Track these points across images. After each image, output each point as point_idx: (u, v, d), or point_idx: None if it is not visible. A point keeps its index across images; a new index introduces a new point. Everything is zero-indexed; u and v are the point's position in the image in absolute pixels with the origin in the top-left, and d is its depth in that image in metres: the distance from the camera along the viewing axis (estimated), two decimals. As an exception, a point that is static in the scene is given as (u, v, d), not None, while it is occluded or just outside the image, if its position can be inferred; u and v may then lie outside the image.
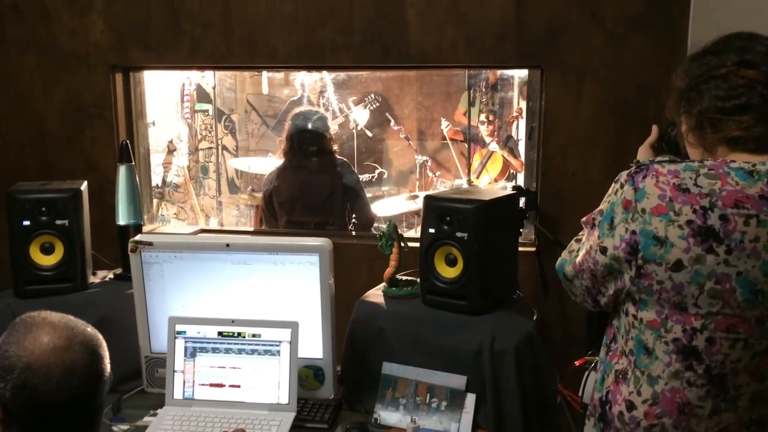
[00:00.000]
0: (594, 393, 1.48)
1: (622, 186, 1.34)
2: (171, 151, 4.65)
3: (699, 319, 1.28)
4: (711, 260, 1.24)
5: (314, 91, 4.93)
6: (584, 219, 1.46)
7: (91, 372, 1.17)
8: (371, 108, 4.68)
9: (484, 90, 4.81)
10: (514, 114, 4.67)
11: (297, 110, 3.55)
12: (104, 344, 1.23)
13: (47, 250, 2.03)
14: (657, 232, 1.26)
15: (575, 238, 1.53)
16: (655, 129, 1.71)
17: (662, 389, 1.32)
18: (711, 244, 1.24)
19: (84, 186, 2.11)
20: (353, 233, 3.23)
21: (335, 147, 3.45)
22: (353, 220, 3.38)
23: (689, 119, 1.36)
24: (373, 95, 4.65)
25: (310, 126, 3.38)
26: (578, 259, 1.44)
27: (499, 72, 4.64)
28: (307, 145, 3.36)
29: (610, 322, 1.48)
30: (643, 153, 1.68)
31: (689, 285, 1.26)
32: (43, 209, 2.00)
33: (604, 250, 1.35)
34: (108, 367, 1.22)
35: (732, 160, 1.29)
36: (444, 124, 4.75)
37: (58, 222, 2.01)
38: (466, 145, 4.75)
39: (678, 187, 1.26)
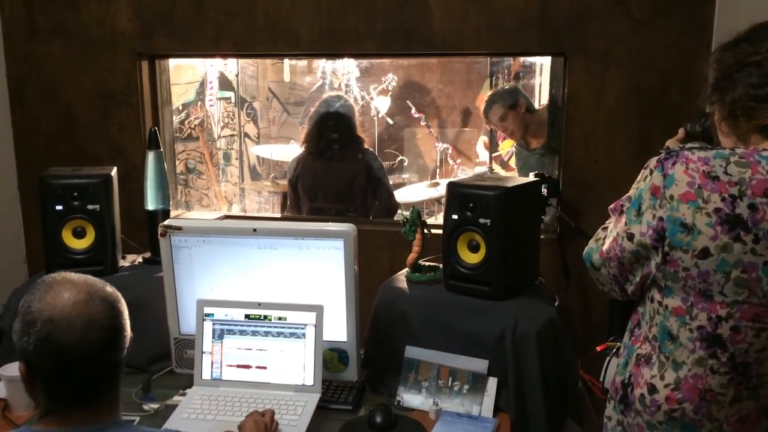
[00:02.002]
0: (616, 377, 1.49)
1: (651, 172, 1.33)
2: (194, 138, 4.70)
3: (724, 308, 1.28)
4: (738, 249, 1.24)
5: (336, 78, 4.94)
6: (612, 206, 1.46)
7: (111, 326, 1.19)
8: (389, 87, 4.68)
9: (506, 77, 4.78)
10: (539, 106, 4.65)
11: (323, 97, 3.57)
12: (123, 302, 1.25)
13: (79, 234, 2.08)
14: (684, 219, 1.26)
15: (602, 226, 1.53)
16: (681, 130, 1.71)
17: (685, 375, 1.33)
18: (738, 232, 1.23)
19: (114, 172, 2.15)
20: (375, 220, 3.26)
21: (362, 135, 3.47)
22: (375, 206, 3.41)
23: (722, 108, 1.35)
24: (391, 75, 4.64)
25: (333, 111, 3.40)
26: (605, 247, 1.44)
27: (521, 59, 4.61)
28: (330, 131, 3.38)
29: (635, 308, 1.48)
30: (670, 146, 1.68)
31: (715, 273, 1.26)
32: (75, 194, 2.05)
33: (631, 237, 1.35)
34: (128, 324, 1.24)
35: (764, 148, 1.28)
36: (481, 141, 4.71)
37: (90, 207, 2.06)
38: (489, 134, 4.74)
39: (707, 174, 1.26)
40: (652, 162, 1.34)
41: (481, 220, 1.84)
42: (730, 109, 1.33)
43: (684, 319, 1.32)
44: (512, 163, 3.97)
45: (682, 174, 1.27)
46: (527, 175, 2.73)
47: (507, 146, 4.01)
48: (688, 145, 1.39)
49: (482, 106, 3.61)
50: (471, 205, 1.86)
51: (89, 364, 1.17)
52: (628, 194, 1.41)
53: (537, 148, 3.42)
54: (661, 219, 1.29)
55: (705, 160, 1.27)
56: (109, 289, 1.24)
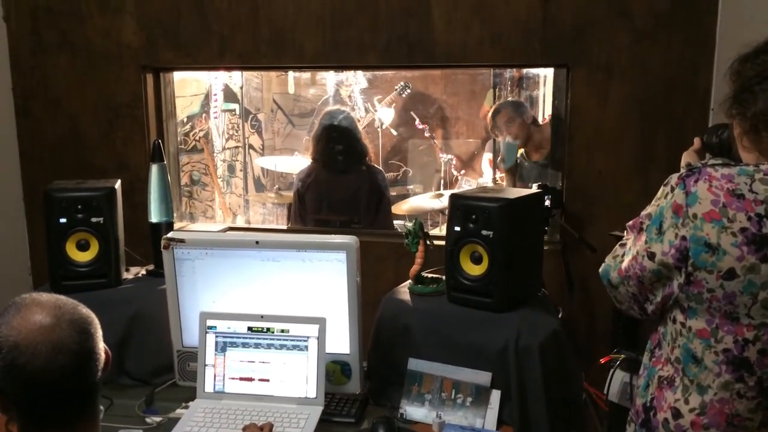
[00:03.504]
0: (636, 398, 1.45)
1: (672, 189, 1.28)
2: (199, 150, 4.72)
3: (751, 330, 1.23)
4: (765, 270, 1.20)
5: (346, 87, 4.96)
6: (630, 223, 1.41)
7: (79, 349, 1.15)
8: (404, 95, 4.68)
9: (509, 88, 4.79)
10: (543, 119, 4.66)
11: (325, 110, 3.60)
12: (97, 324, 1.21)
13: (83, 246, 2.09)
14: (709, 239, 1.21)
15: (620, 242, 1.48)
16: (697, 140, 1.66)
17: (711, 399, 1.28)
18: (766, 253, 1.19)
19: (118, 184, 2.16)
20: (379, 231, 3.26)
21: (368, 146, 3.48)
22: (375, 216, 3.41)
23: (743, 122, 1.30)
24: (403, 83, 4.64)
25: (338, 123, 3.42)
26: (624, 265, 1.39)
27: (525, 70, 4.63)
28: (334, 143, 3.39)
29: (655, 327, 1.44)
30: (687, 158, 1.63)
31: (742, 294, 1.21)
32: (79, 207, 2.05)
33: (651, 256, 1.30)
34: (100, 345, 1.20)
35: None
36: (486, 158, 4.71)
37: (94, 219, 2.06)
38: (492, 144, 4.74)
39: (732, 192, 1.21)
40: (674, 179, 1.29)
41: (484, 232, 1.84)
42: (752, 123, 1.27)
43: (709, 341, 1.27)
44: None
45: (705, 192, 1.23)
46: (529, 187, 2.73)
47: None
48: (710, 162, 1.33)
49: (490, 111, 3.64)
50: (473, 216, 1.86)
51: (59, 390, 1.14)
52: (647, 211, 1.36)
53: (539, 160, 3.44)
54: (684, 238, 1.24)
55: (729, 177, 1.23)
56: (84, 311, 1.20)
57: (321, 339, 1.76)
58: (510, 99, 3.83)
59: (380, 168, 3.59)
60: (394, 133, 4.85)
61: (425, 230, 2.04)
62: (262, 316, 1.81)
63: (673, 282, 1.29)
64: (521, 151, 3.65)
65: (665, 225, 1.28)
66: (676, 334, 1.33)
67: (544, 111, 4.28)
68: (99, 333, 1.21)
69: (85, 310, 1.21)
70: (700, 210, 1.23)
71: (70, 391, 1.15)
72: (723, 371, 1.26)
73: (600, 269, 1.50)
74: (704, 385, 1.28)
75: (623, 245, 1.45)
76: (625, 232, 1.45)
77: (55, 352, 1.12)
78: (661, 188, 1.33)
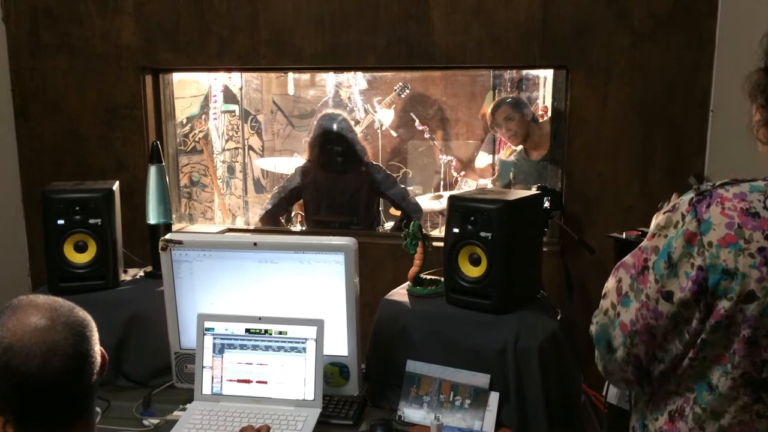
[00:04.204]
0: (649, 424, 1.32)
1: (683, 217, 1.15)
2: (199, 151, 4.72)
3: None
4: None
5: (342, 88, 4.96)
6: (622, 265, 1.22)
7: (74, 352, 1.14)
8: (403, 95, 4.68)
9: (509, 89, 4.79)
10: (540, 113, 4.66)
11: (323, 112, 3.61)
12: (93, 326, 1.21)
13: (80, 248, 2.08)
14: (726, 265, 1.10)
15: (603, 292, 1.28)
16: (675, 196, 1.47)
17: (730, 423, 1.18)
18: None
19: (116, 186, 2.16)
20: (378, 232, 3.26)
21: (367, 149, 3.48)
22: (401, 212, 3.43)
23: (765, 112, 1.17)
24: (402, 83, 4.64)
25: (335, 127, 3.42)
26: (629, 317, 1.20)
27: (524, 71, 4.63)
28: (332, 145, 3.39)
29: None
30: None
31: (761, 317, 1.11)
32: (77, 208, 2.05)
33: (668, 296, 1.14)
34: (96, 348, 1.20)
35: None
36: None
37: (91, 221, 2.06)
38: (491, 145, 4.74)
39: (746, 211, 1.12)
40: (683, 205, 1.16)
41: (482, 234, 1.84)
42: None
43: (726, 368, 1.16)
44: (506, 154, 3.99)
45: (718, 216, 1.12)
46: (528, 187, 2.73)
47: (507, 153, 4.02)
48: (718, 182, 1.20)
49: (490, 107, 3.64)
50: (472, 218, 1.85)
51: (54, 392, 1.13)
52: (647, 244, 1.19)
53: (538, 159, 3.44)
54: (700, 268, 1.12)
55: (741, 195, 1.13)
56: (81, 313, 1.20)
57: (319, 341, 1.76)
58: (510, 96, 3.84)
59: (376, 163, 3.59)
60: (394, 134, 4.85)
61: (424, 231, 2.04)
62: (260, 318, 1.80)
63: (693, 322, 1.14)
64: (520, 148, 3.65)
65: (676, 256, 1.13)
66: (685, 366, 1.21)
67: (544, 111, 4.29)
68: (95, 336, 1.21)
69: (82, 313, 1.20)
70: (714, 237, 1.11)
71: (65, 393, 1.15)
72: (741, 394, 1.17)
73: (591, 331, 1.28)
74: (719, 411, 1.19)
75: (605, 297, 1.26)
76: (614, 278, 1.25)
77: (50, 354, 1.12)
78: (664, 215, 1.18)
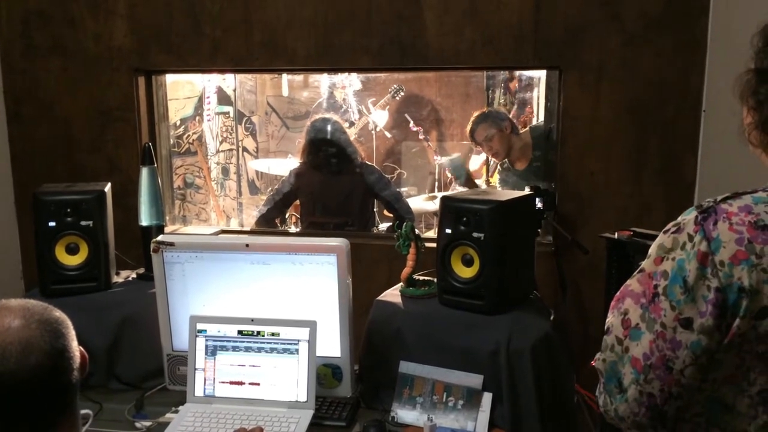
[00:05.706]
0: None
1: (691, 238, 1.09)
2: (193, 152, 4.71)
3: None
4: None
5: (336, 89, 4.95)
6: (626, 293, 1.15)
7: (50, 348, 1.14)
8: (397, 97, 4.68)
9: (503, 90, 4.80)
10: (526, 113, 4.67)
11: (315, 116, 3.62)
12: (68, 324, 1.20)
13: (72, 250, 2.07)
14: (741, 283, 1.05)
15: (605, 327, 1.19)
16: None
17: None
18: None
19: (108, 187, 2.15)
20: (372, 234, 3.26)
21: (361, 151, 3.49)
22: (393, 213, 3.43)
23: (757, 115, 1.13)
24: (396, 86, 4.65)
25: (327, 128, 3.43)
26: (641, 351, 1.11)
27: (517, 72, 4.64)
28: (325, 146, 3.39)
29: None
30: None
31: None
32: (68, 210, 2.04)
33: (688, 324, 1.06)
34: (74, 345, 1.19)
35: None
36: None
37: (83, 223, 2.05)
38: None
39: (755, 224, 1.07)
40: (689, 225, 1.10)
41: (475, 234, 1.84)
42: (764, 122, 1.12)
43: (741, 386, 1.11)
44: (494, 180, 4.01)
45: (727, 233, 1.07)
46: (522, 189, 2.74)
47: (495, 178, 4.05)
48: (719, 197, 1.15)
49: (468, 127, 3.65)
50: (464, 219, 1.85)
51: (33, 391, 1.12)
52: (652, 269, 1.12)
53: (523, 169, 3.47)
54: (717, 290, 1.05)
55: (747, 208, 1.08)
56: (55, 312, 1.20)
57: (312, 342, 1.76)
58: (483, 111, 3.80)
59: (374, 165, 3.59)
60: (388, 135, 4.85)
61: (416, 232, 2.04)
62: (252, 320, 1.80)
63: (712, 349, 1.07)
64: (505, 161, 3.65)
65: (691, 279, 1.06)
66: (692, 392, 1.14)
67: (539, 113, 4.29)
68: (71, 333, 1.20)
69: (57, 312, 1.20)
70: (726, 255, 1.06)
71: (44, 390, 1.14)
72: (760, 413, 1.12)
73: (599, 366, 1.17)
74: (739, 430, 1.14)
75: (609, 332, 1.17)
76: (617, 310, 1.16)
77: (27, 353, 1.11)
78: (669, 237, 1.12)
